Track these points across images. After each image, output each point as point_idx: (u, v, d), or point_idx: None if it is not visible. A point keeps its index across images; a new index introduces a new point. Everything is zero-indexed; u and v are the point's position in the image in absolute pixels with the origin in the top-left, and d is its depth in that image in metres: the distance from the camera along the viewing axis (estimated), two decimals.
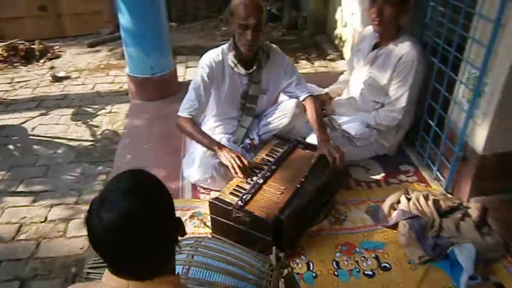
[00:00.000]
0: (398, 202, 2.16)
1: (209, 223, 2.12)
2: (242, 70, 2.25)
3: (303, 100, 2.37)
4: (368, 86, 2.48)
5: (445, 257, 1.90)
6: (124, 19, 2.98)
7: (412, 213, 2.01)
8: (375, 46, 2.44)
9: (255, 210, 1.89)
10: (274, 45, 2.37)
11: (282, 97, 2.54)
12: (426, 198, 2.06)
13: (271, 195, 1.99)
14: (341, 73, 2.93)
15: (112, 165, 3.01)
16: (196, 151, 2.39)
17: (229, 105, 2.40)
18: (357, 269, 1.90)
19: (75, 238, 2.47)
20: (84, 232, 2.40)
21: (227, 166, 2.11)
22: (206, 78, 2.24)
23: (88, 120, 3.60)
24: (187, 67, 4.36)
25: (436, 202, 2.04)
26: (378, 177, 2.44)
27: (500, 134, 1.97)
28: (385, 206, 2.14)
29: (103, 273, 1.46)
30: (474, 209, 2.05)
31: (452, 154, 2.21)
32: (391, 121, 2.42)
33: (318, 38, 4.79)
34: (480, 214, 2.02)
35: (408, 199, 2.11)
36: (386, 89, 2.41)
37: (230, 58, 2.25)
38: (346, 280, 1.86)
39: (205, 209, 2.20)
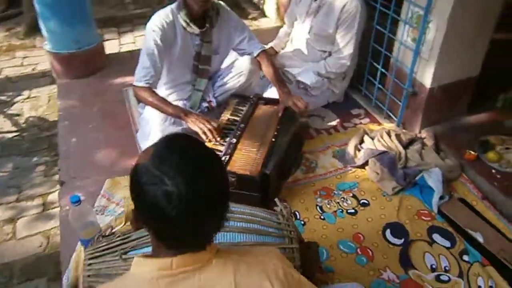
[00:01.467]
0: (361, 142, 2.28)
1: None
2: (196, 29, 2.14)
3: (257, 55, 2.34)
4: (314, 36, 2.52)
5: (413, 184, 2.07)
6: None
7: (378, 150, 2.14)
8: None
9: (238, 169, 1.87)
10: (221, 2, 2.29)
11: (231, 55, 2.48)
12: (388, 134, 2.21)
13: (248, 152, 1.97)
14: (267, 30, 2.90)
15: (48, 153, 2.76)
16: (150, 122, 2.26)
17: (181, 68, 2.29)
18: (340, 210, 1.99)
19: (29, 238, 2.25)
20: (38, 228, 2.25)
21: (196, 132, 2.04)
22: (159, 42, 2.09)
23: (5, 110, 3.20)
24: (103, 40, 4.03)
25: (397, 136, 2.19)
26: (334, 123, 2.54)
27: (445, 66, 2.16)
28: (350, 148, 2.25)
29: (106, 261, 1.37)
30: (428, 138, 2.25)
31: (401, 92, 2.37)
32: (340, 67, 2.50)
33: None
34: (434, 141, 2.23)
35: (372, 138, 2.24)
36: (332, 37, 2.48)
37: (182, 18, 2.12)
38: (332, 221, 1.94)
39: None
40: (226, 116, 2.21)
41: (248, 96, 2.36)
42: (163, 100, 2.13)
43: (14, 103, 3.28)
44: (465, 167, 2.13)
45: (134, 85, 2.15)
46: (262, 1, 4.31)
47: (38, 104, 3.25)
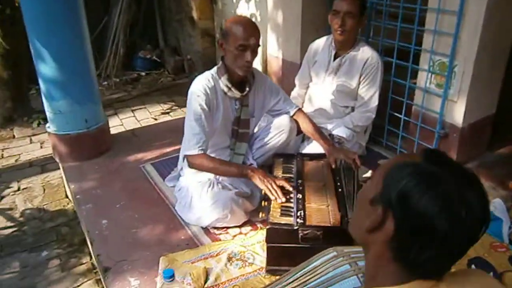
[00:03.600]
0: None
1: (252, 260, 1.91)
2: (237, 93, 2.14)
3: (293, 114, 2.36)
4: (337, 93, 2.62)
5: None
6: (47, 69, 2.48)
7: None
8: (335, 56, 2.61)
9: (320, 223, 1.78)
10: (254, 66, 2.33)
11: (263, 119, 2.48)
12: None
13: (319, 205, 1.90)
14: None
15: (59, 246, 2.44)
16: (192, 190, 2.14)
17: (222, 134, 2.23)
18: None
19: None
20: None
21: (262, 191, 1.96)
22: (205, 106, 2.05)
23: None
24: None
25: None
26: (368, 174, 2.55)
27: (472, 105, 2.32)
28: None
29: None
30: None
31: (428, 136, 2.48)
32: (366, 120, 2.59)
33: None
34: None
35: None
36: (355, 93, 2.59)
37: (224, 82, 2.11)
38: None
39: (236, 247, 1.98)
40: (278, 174, 2.14)
41: (291, 154, 2.34)
42: (224, 162, 2.06)
43: (3, 197, 2.93)
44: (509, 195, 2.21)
45: (187, 155, 2.05)
46: None
47: (32, 195, 2.93)
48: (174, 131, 3.27)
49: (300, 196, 1.94)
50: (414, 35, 2.43)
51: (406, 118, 2.62)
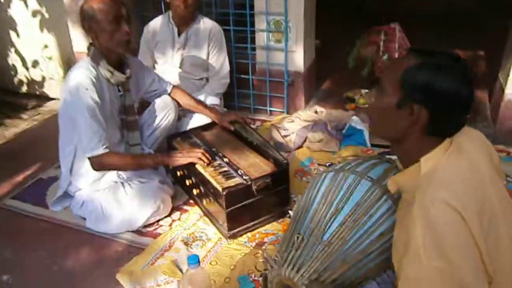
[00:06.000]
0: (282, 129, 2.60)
1: (206, 236, 1.90)
2: (121, 76, 1.96)
3: (170, 92, 2.32)
4: (190, 66, 2.67)
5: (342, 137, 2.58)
6: None
7: (309, 124, 2.54)
8: (179, 32, 2.64)
9: (264, 172, 1.90)
10: None
11: None
12: (301, 111, 2.67)
13: (247, 161, 2.01)
14: None
15: None
16: (98, 200, 1.95)
17: (112, 126, 2.00)
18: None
19: None
20: None
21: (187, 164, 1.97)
22: (97, 99, 1.83)
23: None
24: None
25: (310, 111, 2.68)
26: None
27: (307, 53, 2.80)
28: (278, 138, 2.55)
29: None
30: (318, 108, 2.81)
31: (278, 87, 2.86)
32: (223, 87, 2.76)
33: None
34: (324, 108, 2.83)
35: (291, 121, 2.62)
36: (206, 63, 2.69)
37: (105, 67, 1.90)
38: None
39: (182, 232, 1.93)
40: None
41: (183, 132, 2.33)
42: (134, 155, 1.95)
43: None
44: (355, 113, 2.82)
45: (92, 157, 1.82)
46: (38, 86, 3.88)
47: None
48: (6, 157, 2.69)
49: (226, 159, 2.00)
50: (248, 2, 2.71)
51: (255, 77, 2.92)
